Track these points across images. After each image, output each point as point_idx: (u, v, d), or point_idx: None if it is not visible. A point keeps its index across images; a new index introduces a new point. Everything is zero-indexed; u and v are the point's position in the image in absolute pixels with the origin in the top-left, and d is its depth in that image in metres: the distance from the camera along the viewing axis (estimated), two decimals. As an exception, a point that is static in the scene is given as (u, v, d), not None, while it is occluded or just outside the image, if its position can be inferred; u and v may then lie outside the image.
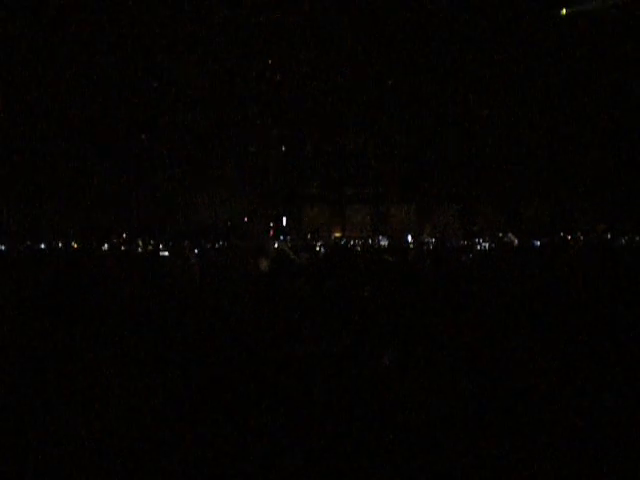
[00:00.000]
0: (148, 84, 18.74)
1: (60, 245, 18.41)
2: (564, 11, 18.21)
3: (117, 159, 20.36)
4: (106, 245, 17.41)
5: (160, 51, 17.79)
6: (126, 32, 16.89)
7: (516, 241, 17.40)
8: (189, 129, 20.10)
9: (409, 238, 19.87)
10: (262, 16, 16.95)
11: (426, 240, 18.69)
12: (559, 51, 18.47)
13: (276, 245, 15.79)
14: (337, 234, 21.83)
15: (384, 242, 19.62)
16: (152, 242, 18.25)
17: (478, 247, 18.42)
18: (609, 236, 18.91)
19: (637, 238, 17.68)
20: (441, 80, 19.02)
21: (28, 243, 18.22)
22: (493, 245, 17.84)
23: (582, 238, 18.44)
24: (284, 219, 21.77)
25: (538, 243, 17.51)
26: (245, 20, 17.03)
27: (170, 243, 16.89)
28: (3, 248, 16.81)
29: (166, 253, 13.29)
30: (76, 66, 17.57)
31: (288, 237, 19.86)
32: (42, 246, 18.13)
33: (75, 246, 17.68)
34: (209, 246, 17.48)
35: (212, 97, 19.13)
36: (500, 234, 19.99)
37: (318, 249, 16.57)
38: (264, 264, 8.34)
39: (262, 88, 19.00)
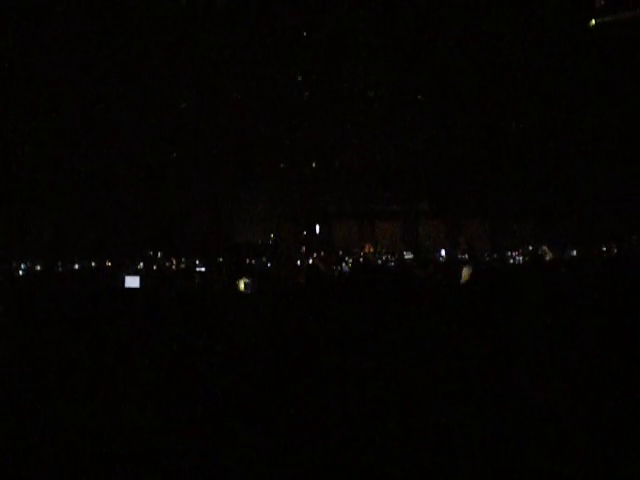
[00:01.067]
0: (178, 102, 18.92)
1: (93, 264, 18.50)
2: (593, 22, 18.10)
3: (147, 178, 20.57)
4: (141, 264, 17.49)
5: (190, 70, 17.97)
6: (155, 45, 17.08)
7: (550, 254, 17.26)
8: (218, 147, 20.26)
9: (442, 253, 19.81)
10: (290, 30, 17.07)
11: (459, 256, 18.61)
12: (589, 63, 18.35)
13: (310, 261, 15.87)
14: (368, 250, 21.86)
15: (409, 256, 19.60)
16: (183, 260, 18.37)
17: (511, 260, 18.32)
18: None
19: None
20: (471, 96, 18.98)
21: (59, 264, 18.29)
22: (527, 258, 17.71)
23: (615, 250, 18.23)
24: (316, 234, 21.85)
25: (574, 253, 17.39)
26: (273, 34, 17.16)
27: (205, 261, 16.98)
28: (39, 268, 16.94)
29: (203, 269, 13.36)
30: (107, 79, 17.77)
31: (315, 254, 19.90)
32: (76, 266, 18.21)
33: (110, 264, 17.78)
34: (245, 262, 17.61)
35: (241, 115, 19.27)
36: (530, 247, 19.88)
37: (347, 265, 16.59)
38: (301, 279, 8.37)
39: (291, 105, 19.11)
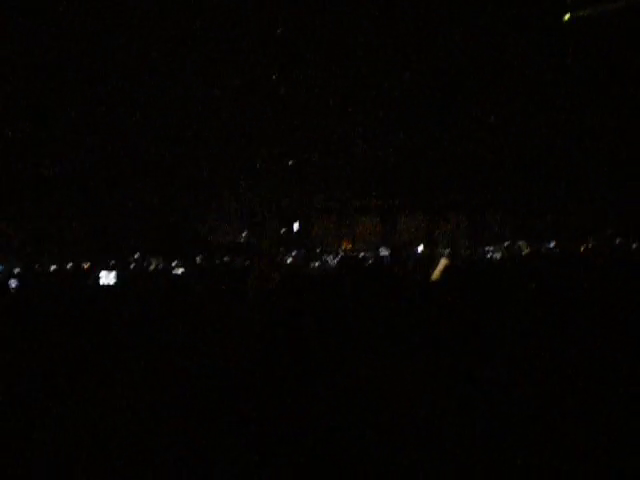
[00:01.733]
0: (159, 101, 18.81)
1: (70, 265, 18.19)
2: (567, 16, 18.22)
3: (126, 177, 20.40)
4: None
5: (176, 71, 17.91)
6: (152, 49, 17.01)
7: (527, 249, 17.39)
8: (197, 143, 20.15)
9: (419, 249, 19.83)
10: (270, 29, 17.04)
11: (439, 251, 18.63)
12: (565, 56, 18.47)
13: (289, 260, 15.80)
14: (347, 246, 21.84)
15: (385, 253, 19.59)
16: (161, 260, 18.18)
17: (488, 256, 18.39)
18: (617, 241, 18.80)
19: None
20: (447, 89, 19.04)
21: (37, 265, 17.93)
22: (504, 254, 17.79)
23: (590, 246, 18.33)
24: (294, 231, 21.80)
25: (552, 245, 17.53)
26: (258, 32, 17.13)
27: (181, 261, 16.82)
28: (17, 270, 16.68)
29: (179, 271, 13.10)
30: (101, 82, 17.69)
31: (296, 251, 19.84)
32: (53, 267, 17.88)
33: (86, 267, 17.48)
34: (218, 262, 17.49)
35: (220, 112, 19.19)
36: (506, 243, 19.97)
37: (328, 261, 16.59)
38: (275, 278, 8.34)
39: (269, 102, 19.06)
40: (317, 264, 16.09)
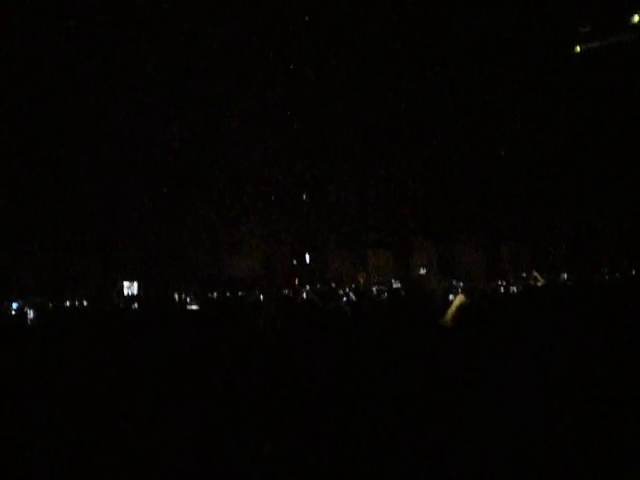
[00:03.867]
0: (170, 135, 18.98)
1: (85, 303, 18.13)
2: (578, 48, 18.35)
3: (138, 212, 20.48)
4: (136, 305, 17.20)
5: (181, 105, 18.09)
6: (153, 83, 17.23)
7: (542, 280, 17.24)
8: (210, 181, 20.24)
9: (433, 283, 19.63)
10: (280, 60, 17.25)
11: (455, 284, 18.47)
12: (575, 88, 18.53)
13: (304, 295, 15.71)
14: (361, 280, 21.76)
15: (398, 285, 19.48)
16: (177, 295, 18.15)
17: (502, 289, 18.22)
18: (633, 272, 18.63)
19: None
20: (458, 125, 19.12)
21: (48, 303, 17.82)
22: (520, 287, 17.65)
23: (607, 277, 18.21)
24: (308, 264, 21.79)
25: (565, 276, 17.38)
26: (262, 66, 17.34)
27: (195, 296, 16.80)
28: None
29: (194, 307, 12.97)
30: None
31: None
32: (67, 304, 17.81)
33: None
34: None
35: (233, 150, 19.32)
36: (524, 274, 19.82)
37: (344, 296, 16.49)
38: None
39: (283, 138, 19.18)
40: (332, 298, 15.98)
